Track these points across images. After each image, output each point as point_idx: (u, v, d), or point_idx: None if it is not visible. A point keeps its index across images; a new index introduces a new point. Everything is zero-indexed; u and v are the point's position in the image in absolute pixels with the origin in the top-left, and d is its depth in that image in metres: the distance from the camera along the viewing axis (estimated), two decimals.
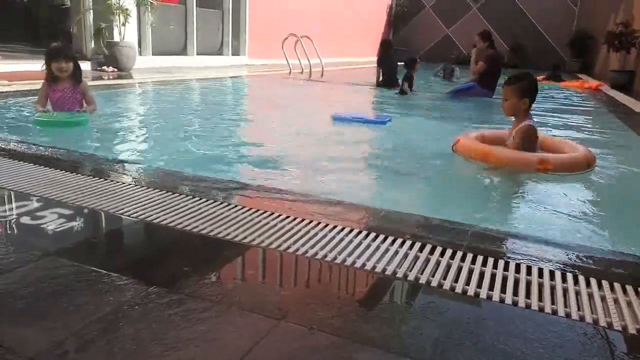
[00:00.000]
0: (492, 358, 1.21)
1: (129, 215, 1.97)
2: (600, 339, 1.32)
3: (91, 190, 2.24)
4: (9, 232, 1.81)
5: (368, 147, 4.15)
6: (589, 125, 6.10)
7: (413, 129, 5.11)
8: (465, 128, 4.57)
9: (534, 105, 3.38)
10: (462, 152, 3.46)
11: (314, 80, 10.09)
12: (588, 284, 1.62)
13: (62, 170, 2.52)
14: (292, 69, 11.03)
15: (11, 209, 2.00)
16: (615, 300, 1.52)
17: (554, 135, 4.34)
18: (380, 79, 8.99)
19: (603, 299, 1.53)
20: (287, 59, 11.11)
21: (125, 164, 3.01)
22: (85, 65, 8.33)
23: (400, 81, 8.16)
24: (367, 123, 5.03)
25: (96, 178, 2.43)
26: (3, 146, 3.03)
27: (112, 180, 2.42)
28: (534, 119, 3.37)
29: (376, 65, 9.33)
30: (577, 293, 1.56)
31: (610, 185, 3.23)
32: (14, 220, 1.89)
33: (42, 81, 4.09)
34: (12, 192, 2.17)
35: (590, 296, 1.54)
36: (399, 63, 9.13)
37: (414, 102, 7.25)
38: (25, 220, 1.89)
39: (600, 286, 1.61)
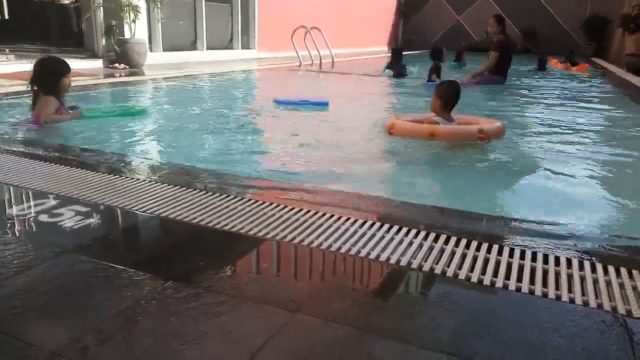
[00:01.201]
0: (509, 348, 1.21)
1: (144, 211, 1.99)
2: (619, 327, 1.31)
3: (106, 187, 2.27)
4: (27, 230, 1.84)
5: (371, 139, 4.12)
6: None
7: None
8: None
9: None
10: (402, 133, 3.69)
11: (325, 71, 10.05)
12: (605, 272, 1.60)
13: (77, 168, 2.55)
14: (303, 61, 10.99)
15: (29, 207, 2.04)
16: (634, 288, 1.50)
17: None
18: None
19: (621, 286, 1.51)
20: (297, 51, 11.07)
21: (140, 161, 3.03)
22: (97, 63, 8.46)
23: (427, 72, 8.11)
24: (309, 106, 5.21)
25: (111, 175, 2.46)
26: (19, 146, 3.07)
27: (126, 177, 2.44)
28: (451, 115, 3.88)
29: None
30: (595, 281, 1.54)
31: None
32: (32, 218, 1.92)
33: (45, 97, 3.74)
34: (29, 191, 2.21)
35: (608, 284, 1.53)
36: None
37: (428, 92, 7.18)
38: (43, 218, 1.92)
39: (618, 273, 1.59)
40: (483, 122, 3.86)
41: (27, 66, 7.19)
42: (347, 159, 3.26)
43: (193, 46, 11.06)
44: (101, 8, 8.57)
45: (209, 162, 3.05)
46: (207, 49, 11.21)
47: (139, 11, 8.30)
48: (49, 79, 3.81)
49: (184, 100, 5.85)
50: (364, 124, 4.54)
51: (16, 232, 1.81)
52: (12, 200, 2.14)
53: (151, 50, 9.31)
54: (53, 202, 2.07)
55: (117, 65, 8.20)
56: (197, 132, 4.03)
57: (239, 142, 3.74)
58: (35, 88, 3.82)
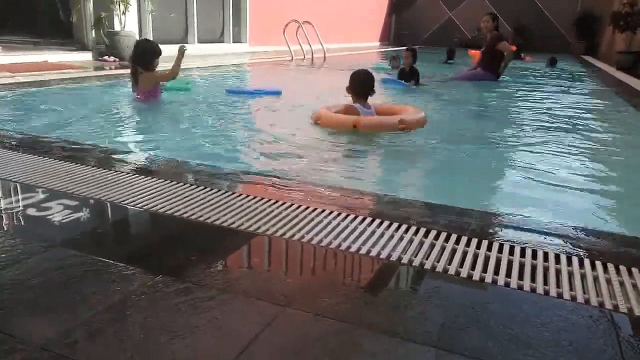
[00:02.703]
0: (498, 342, 1.22)
1: (134, 205, 1.98)
2: (606, 322, 1.33)
3: (96, 180, 2.25)
4: (15, 223, 1.82)
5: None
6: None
7: None
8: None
9: None
10: (328, 125, 3.87)
11: (317, 66, 10.03)
12: (593, 267, 1.62)
13: (66, 162, 2.53)
14: (294, 56, 10.95)
15: (17, 201, 2.02)
16: (621, 283, 1.52)
17: None
18: None
19: (608, 281, 1.53)
20: (288, 46, 11.03)
21: (130, 154, 3.01)
22: (86, 56, 8.36)
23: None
24: (262, 94, 5.46)
25: (100, 169, 2.44)
26: (7, 139, 3.04)
27: (116, 171, 2.42)
28: (368, 101, 4.12)
29: None
30: (583, 276, 1.56)
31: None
32: (21, 212, 1.91)
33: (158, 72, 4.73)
34: (17, 184, 2.18)
35: (596, 279, 1.55)
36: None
37: (421, 89, 7.19)
38: (32, 211, 1.90)
39: (605, 269, 1.61)
40: (403, 111, 4.08)
41: (15, 58, 7.13)
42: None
43: (184, 39, 10.97)
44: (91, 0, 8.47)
45: (202, 157, 3.04)
46: (198, 42, 11.13)
47: (129, 3, 8.21)
48: (149, 58, 4.56)
49: (173, 95, 5.80)
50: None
51: (3, 225, 1.79)
52: (0, 194, 2.12)
53: None
54: (41, 196, 2.05)
55: (106, 57, 8.11)
56: (188, 126, 4.01)
57: (219, 136, 3.74)
58: (134, 66, 4.59)
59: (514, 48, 11.60)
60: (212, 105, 4.97)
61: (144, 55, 4.56)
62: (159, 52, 4.64)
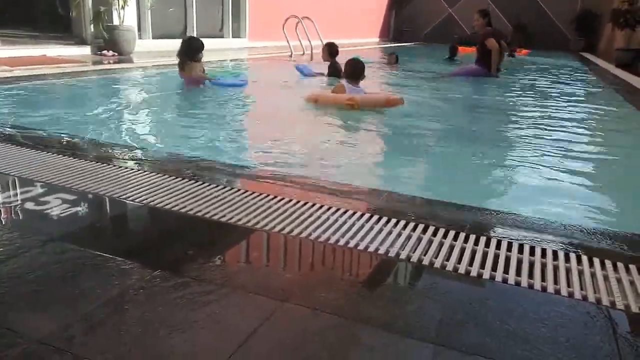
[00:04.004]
0: (495, 338, 1.22)
1: (132, 200, 1.98)
2: (603, 318, 1.33)
3: (94, 175, 2.25)
4: (13, 217, 1.82)
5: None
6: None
7: None
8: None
9: None
10: (322, 102, 4.63)
11: (316, 62, 9.99)
12: (591, 264, 1.62)
13: (64, 156, 2.52)
14: (294, 51, 10.91)
15: (15, 195, 2.01)
16: (618, 280, 1.53)
17: None
18: None
19: (606, 278, 1.54)
20: (288, 41, 10.99)
21: (128, 149, 3.01)
22: (85, 50, 8.33)
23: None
24: (229, 86, 5.71)
25: (99, 163, 2.44)
26: (4, 133, 3.03)
27: (115, 165, 2.42)
28: (359, 87, 4.85)
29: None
30: (580, 272, 1.56)
31: None
32: (18, 206, 1.90)
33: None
34: (15, 178, 2.18)
35: (593, 275, 1.55)
36: None
37: (414, 83, 7.19)
38: (30, 205, 1.90)
39: (603, 265, 1.61)
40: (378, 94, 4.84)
41: (14, 52, 7.10)
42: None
43: (183, 34, 10.93)
44: None
45: (200, 151, 3.04)
46: (197, 37, 11.09)
47: None
48: (193, 51, 5.46)
49: (172, 89, 5.79)
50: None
51: (1, 220, 1.79)
52: None
53: (140, 38, 9.19)
54: (40, 190, 2.05)
55: (105, 52, 8.08)
56: (187, 121, 4.00)
57: (221, 129, 3.73)
58: (182, 58, 5.43)
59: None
60: (204, 98, 4.97)
61: (189, 49, 5.48)
62: (203, 47, 5.62)
